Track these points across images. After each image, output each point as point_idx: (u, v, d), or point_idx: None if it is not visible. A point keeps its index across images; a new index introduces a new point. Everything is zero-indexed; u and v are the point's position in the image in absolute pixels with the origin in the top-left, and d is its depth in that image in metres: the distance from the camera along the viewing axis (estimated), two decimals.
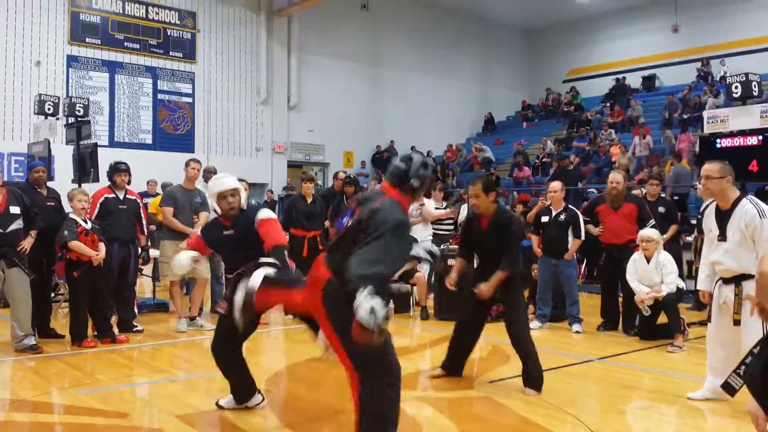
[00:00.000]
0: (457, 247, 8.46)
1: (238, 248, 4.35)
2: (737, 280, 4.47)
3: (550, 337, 7.13)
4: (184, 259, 4.44)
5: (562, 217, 7.54)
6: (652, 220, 7.26)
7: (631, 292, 6.91)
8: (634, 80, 22.00)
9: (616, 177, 7.49)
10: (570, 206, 7.72)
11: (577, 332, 7.38)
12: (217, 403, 4.50)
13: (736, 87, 7.68)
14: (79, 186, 8.08)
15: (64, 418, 4.56)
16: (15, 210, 6.17)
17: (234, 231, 4.38)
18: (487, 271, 5.24)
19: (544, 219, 7.65)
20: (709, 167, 4.51)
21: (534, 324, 7.50)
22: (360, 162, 21.07)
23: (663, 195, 9.30)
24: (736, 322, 4.47)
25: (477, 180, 5.35)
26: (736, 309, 4.46)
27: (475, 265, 5.61)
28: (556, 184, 7.78)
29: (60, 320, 7.66)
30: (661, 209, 8.25)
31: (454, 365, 5.44)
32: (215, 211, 4.51)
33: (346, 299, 3.00)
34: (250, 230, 4.27)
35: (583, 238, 7.51)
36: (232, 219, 4.42)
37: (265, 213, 4.33)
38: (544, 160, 18.25)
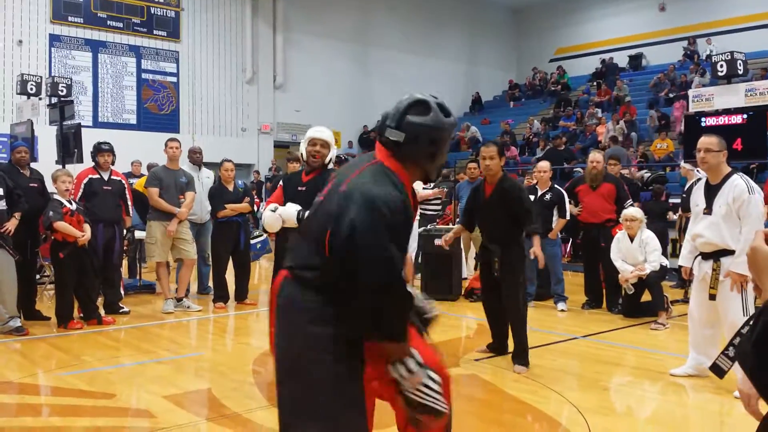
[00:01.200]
0: (443, 227, 8.50)
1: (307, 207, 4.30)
2: (716, 255, 4.52)
3: (535, 316, 7.17)
4: (270, 216, 4.30)
5: (548, 196, 7.58)
6: (630, 200, 7.36)
7: (613, 271, 6.98)
8: (621, 59, 22.00)
9: (596, 157, 7.57)
10: (556, 186, 7.77)
11: (562, 310, 7.45)
12: None
13: (722, 65, 7.71)
14: (63, 167, 8.01)
15: (50, 399, 4.56)
16: None
17: (306, 188, 4.36)
18: (490, 244, 5.17)
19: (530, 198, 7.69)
20: (709, 140, 4.54)
21: None
22: (347, 142, 21.00)
23: (642, 175, 9.34)
24: (712, 297, 4.55)
25: (490, 142, 5.32)
26: (713, 284, 4.53)
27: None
28: (544, 164, 7.82)
29: (45, 302, 7.63)
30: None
31: (500, 344, 5.44)
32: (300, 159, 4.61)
33: (309, 315, 2.18)
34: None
35: (568, 218, 7.56)
36: (312, 173, 4.45)
37: None
38: (532, 139, 18.26)
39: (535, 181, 7.85)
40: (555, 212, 7.56)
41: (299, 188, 4.47)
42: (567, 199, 7.58)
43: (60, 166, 8.09)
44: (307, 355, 2.18)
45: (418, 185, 9.37)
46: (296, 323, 2.21)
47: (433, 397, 2.19)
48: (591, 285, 7.68)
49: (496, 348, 5.46)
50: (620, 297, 7.22)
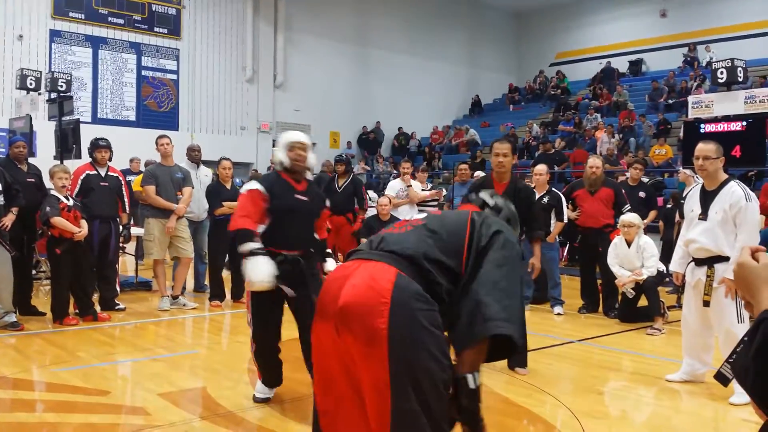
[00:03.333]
0: None
1: (310, 217, 4.21)
2: (710, 261, 4.53)
3: (532, 319, 7.13)
4: (267, 273, 3.80)
5: (545, 200, 7.58)
6: (628, 206, 7.34)
7: (610, 276, 6.99)
8: (621, 64, 22.02)
9: (595, 162, 7.58)
10: (553, 189, 7.78)
11: (559, 314, 7.45)
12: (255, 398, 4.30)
13: (722, 72, 7.72)
14: (61, 162, 8.00)
15: (44, 395, 4.55)
16: None
17: (308, 199, 4.17)
18: None
19: None
20: (707, 147, 4.54)
21: None
22: (346, 142, 21.01)
23: (644, 180, 9.30)
24: (706, 303, 4.55)
25: (504, 139, 5.30)
26: (707, 290, 4.53)
27: None
28: (541, 167, 7.84)
29: (41, 298, 7.60)
30: (641, 194, 8.33)
31: None
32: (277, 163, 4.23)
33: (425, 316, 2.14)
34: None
35: (565, 221, 7.57)
36: (300, 182, 4.18)
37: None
38: (531, 143, 18.26)
39: (533, 185, 7.85)
40: (552, 215, 7.57)
41: (298, 196, 4.12)
42: (564, 202, 7.59)
43: (58, 162, 8.08)
44: (427, 357, 2.12)
45: (417, 186, 9.41)
46: (412, 317, 2.13)
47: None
48: (588, 289, 7.68)
49: None
50: (617, 302, 7.23)
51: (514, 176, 5.21)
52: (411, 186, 9.23)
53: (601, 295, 7.54)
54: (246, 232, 3.86)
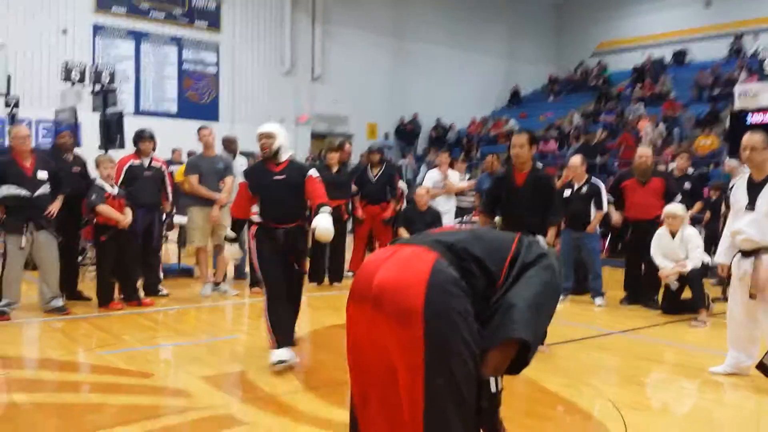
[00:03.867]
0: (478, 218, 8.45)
1: (290, 192, 4.74)
2: (757, 253, 4.42)
3: (572, 310, 7.11)
4: (233, 253, 5.19)
5: (584, 189, 7.48)
6: (679, 195, 7.17)
7: (653, 267, 6.86)
8: (664, 54, 21.56)
9: (645, 151, 7.41)
10: (593, 179, 7.65)
11: (600, 305, 7.35)
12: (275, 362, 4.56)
13: None
14: (106, 153, 8.17)
15: (89, 377, 4.67)
16: (43, 175, 6.26)
17: (286, 176, 4.76)
18: (515, 230, 5.08)
19: (566, 193, 7.55)
20: (754, 138, 4.47)
21: None
22: (383, 134, 21.01)
23: (690, 171, 9.07)
24: (752, 296, 4.45)
25: (522, 130, 5.41)
26: (754, 283, 4.43)
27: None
28: (576, 159, 7.73)
29: (88, 283, 7.78)
30: (687, 185, 8.13)
31: None
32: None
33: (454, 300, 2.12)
34: (300, 179, 4.76)
35: (605, 210, 7.45)
36: (279, 164, 4.79)
37: (315, 171, 4.87)
38: (571, 133, 18.02)
39: (570, 177, 7.75)
40: (592, 205, 7.45)
41: (276, 177, 4.77)
42: (604, 192, 7.46)
43: (103, 152, 8.26)
44: (460, 341, 2.11)
45: (454, 177, 9.36)
46: (447, 302, 2.12)
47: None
48: (631, 281, 7.53)
49: None
50: (656, 293, 7.11)
51: (535, 166, 5.23)
52: (448, 177, 9.20)
53: (643, 285, 7.40)
54: (236, 221, 5.01)
